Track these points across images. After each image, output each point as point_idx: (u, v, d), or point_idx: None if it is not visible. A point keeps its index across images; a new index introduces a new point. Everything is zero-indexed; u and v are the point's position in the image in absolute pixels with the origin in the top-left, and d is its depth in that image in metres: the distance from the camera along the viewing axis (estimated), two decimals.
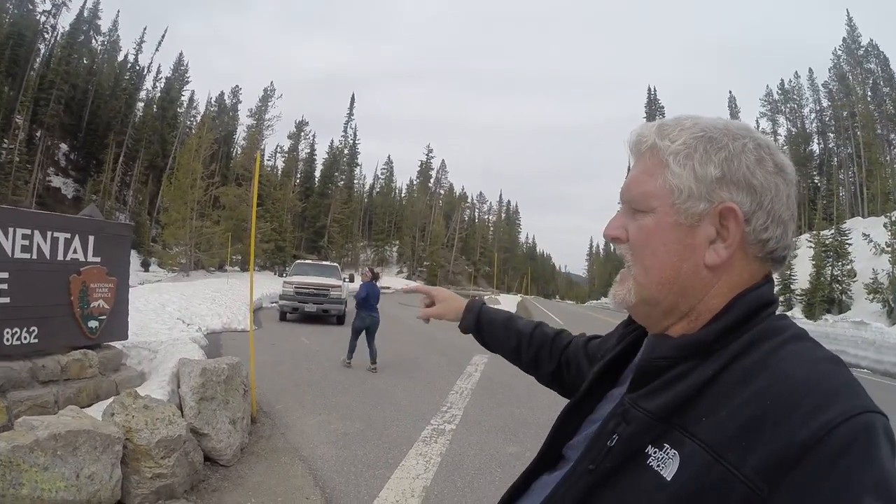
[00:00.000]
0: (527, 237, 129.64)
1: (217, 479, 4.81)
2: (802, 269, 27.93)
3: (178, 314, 14.03)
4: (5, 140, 46.55)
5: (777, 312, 0.83)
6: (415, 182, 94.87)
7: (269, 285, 24.95)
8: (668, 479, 0.71)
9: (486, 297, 39.21)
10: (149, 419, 4.41)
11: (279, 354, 10.88)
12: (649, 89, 71.71)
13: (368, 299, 10.43)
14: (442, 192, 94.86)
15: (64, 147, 58.91)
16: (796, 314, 23.56)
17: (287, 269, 31.71)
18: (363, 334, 10.35)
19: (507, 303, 36.58)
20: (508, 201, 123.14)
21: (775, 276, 0.89)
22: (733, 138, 0.82)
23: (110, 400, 4.82)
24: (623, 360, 1.01)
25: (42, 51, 54.97)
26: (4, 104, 46.37)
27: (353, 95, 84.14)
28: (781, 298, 26.77)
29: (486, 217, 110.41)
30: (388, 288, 49.39)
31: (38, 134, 51.21)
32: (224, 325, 14.44)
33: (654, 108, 68.99)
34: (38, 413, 4.99)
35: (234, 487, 4.71)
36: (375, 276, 10.96)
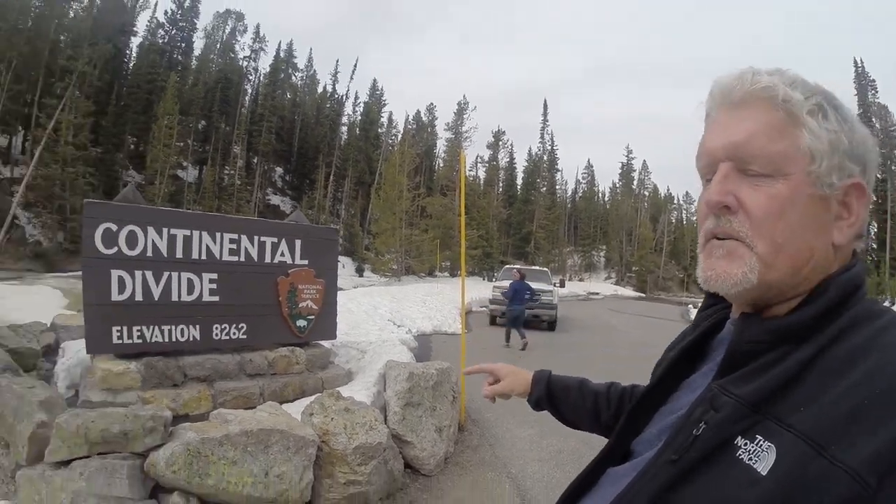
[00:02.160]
0: None
1: (416, 490, 4.44)
2: None
3: (389, 316, 14.36)
4: (227, 167, 56.05)
5: None
6: (617, 185, 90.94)
7: (478, 290, 25.12)
8: (764, 473, 0.64)
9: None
10: (348, 423, 4.13)
11: (490, 359, 10.43)
12: (855, 62, 57.80)
13: (516, 294, 13.01)
14: (646, 193, 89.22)
15: (279, 170, 67.76)
16: None
17: (496, 274, 31.85)
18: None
19: None
20: None
21: None
22: (850, 111, 0.74)
23: (313, 398, 4.70)
24: (699, 346, 0.92)
25: (249, 91, 65.32)
26: (222, 137, 56.16)
27: (545, 102, 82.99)
28: None
29: (694, 219, 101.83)
30: (598, 293, 48.52)
31: (255, 160, 59.68)
32: (434, 328, 14.53)
33: (864, 83, 57.75)
34: (243, 404, 5.06)
35: (434, 500, 4.31)
36: (523, 276, 13.76)
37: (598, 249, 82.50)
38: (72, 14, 43.89)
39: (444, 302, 19.29)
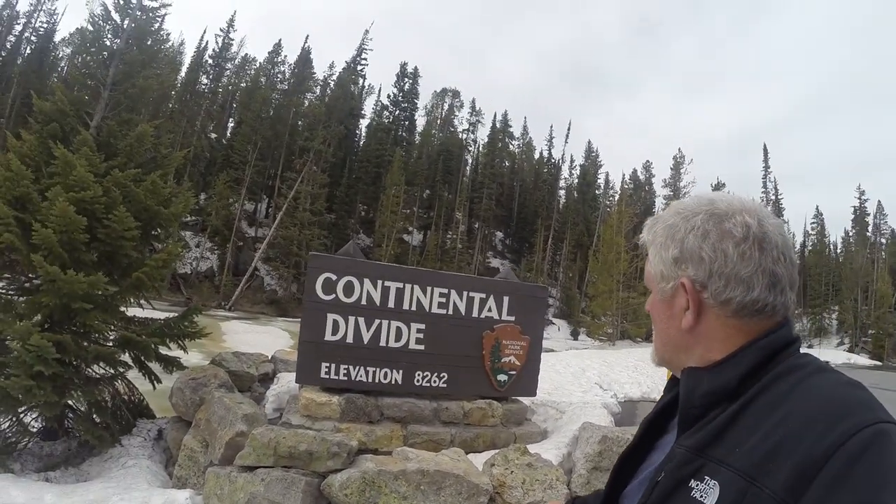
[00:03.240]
0: None
1: None
2: None
3: (596, 379, 14.01)
4: (449, 232, 60.53)
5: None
6: (850, 233, 75.83)
7: None
8: None
9: None
10: (527, 478, 4.14)
11: None
12: None
13: None
14: (883, 241, 73.43)
15: (499, 234, 71.13)
16: None
17: None
18: None
19: None
20: None
21: None
22: (687, 220, 0.97)
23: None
24: (670, 410, 1.10)
25: (469, 160, 70.79)
26: (446, 204, 60.92)
27: (764, 146, 73.12)
28: None
29: None
30: (827, 363, 42.13)
31: (476, 225, 63.10)
32: (643, 394, 13.82)
33: None
34: (432, 448, 5.24)
35: None
36: None
37: (830, 311, 68.90)
38: (307, 103, 53.68)
39: (655, 368, 18.37)
